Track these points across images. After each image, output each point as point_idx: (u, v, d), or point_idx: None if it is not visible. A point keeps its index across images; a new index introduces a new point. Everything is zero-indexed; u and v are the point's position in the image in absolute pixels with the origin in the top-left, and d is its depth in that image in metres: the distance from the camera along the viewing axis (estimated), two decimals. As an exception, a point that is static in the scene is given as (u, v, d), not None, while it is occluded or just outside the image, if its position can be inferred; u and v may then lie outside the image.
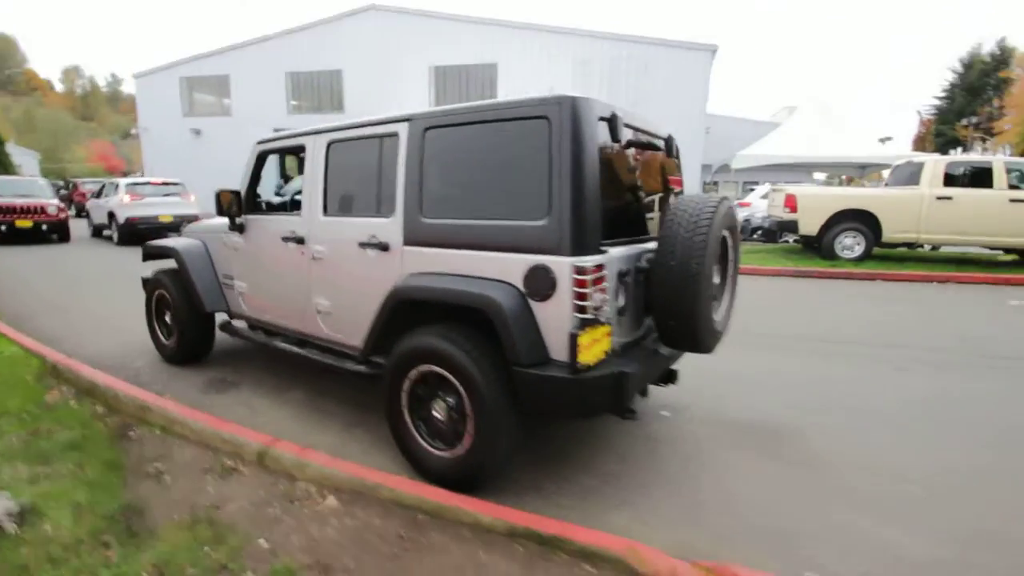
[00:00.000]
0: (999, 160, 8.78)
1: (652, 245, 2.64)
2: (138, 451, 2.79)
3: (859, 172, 18.78)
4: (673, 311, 2.31)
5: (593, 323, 2.12)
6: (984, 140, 43.40)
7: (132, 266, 9.59)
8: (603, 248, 2.20)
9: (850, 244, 9.33)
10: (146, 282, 4.39)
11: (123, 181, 13.22)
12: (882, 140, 19.02)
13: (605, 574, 1.87)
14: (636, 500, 2.43)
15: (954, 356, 4.53)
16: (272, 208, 4.13)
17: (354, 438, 3.00)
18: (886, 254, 10.04)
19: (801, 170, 18.85)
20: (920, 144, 41.42)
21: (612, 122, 2.30)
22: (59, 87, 79.45)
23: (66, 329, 5.22)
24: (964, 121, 40.65)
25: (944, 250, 10.86)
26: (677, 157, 3.18)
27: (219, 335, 4.22)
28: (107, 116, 76.52)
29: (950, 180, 8.79)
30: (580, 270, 2.09)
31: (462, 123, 2.43)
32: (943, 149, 35.69)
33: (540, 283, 2.17)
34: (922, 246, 9.87)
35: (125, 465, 2.64)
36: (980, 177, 8.69)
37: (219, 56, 22.76)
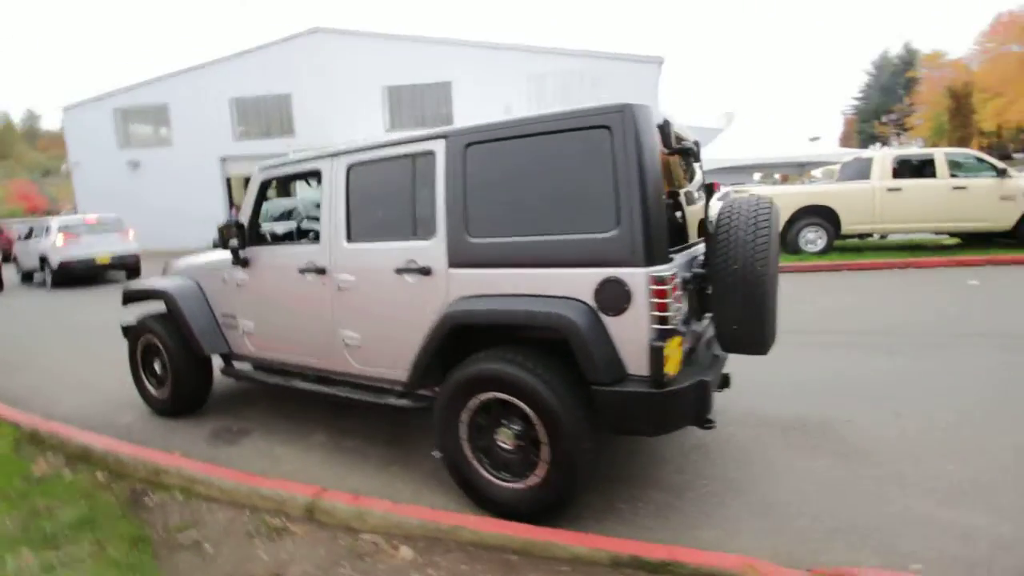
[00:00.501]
0: (940, 152, 9.47)
1: (697, 249, 2.62)
2: (161, 520, 2.49)
3: (798, 171, 19.88)
4: (738, 315, 2.28)
5: (672, 333, 2.06)
6: (899, 135, 47.18)
7: (76, 313, 8.86)
8: (670, 256, 2.16)
9: (813, 238, 9.78)
10: (128, 329, 4.01)
11: (55, 221, 12.24)
12: (812, 139, 20.25)
13: (725, 596, 1.79)
14: (714, 512, 2.37)
15: (942, 336, 4.77)
16: (278, 239, 3.87)
17: (397, 478, 2.80)
18: (843, 245, 10.59)
19: (743, 172, 19.76)
20: (846, 141, 44.41)
21: (664, 129, 2.27)
22: (-33, 125, 73.50)
23: (27, 389, 4.70)
24: (884, 119, 44.04)
25: (891, 238, 11.58)
26: (698, 160, 3.20)
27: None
28: (24, 153, 71.33)
29: (898, 172, 9.39)
30: (659, 280, 2.03)
31: (510, 137, 2.34)
32: (864, 145, 38.51)
33: (614, 297, 2.09)
34: (872, 236, 10.47)
35: (151, 538, 2.34)
36: (924, 168, 9.34)
37: (156, 84, 21.67)
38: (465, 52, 19.32)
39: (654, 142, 2.14)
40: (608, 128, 2.11)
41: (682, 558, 1.87)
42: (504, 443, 2.34)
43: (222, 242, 3.22)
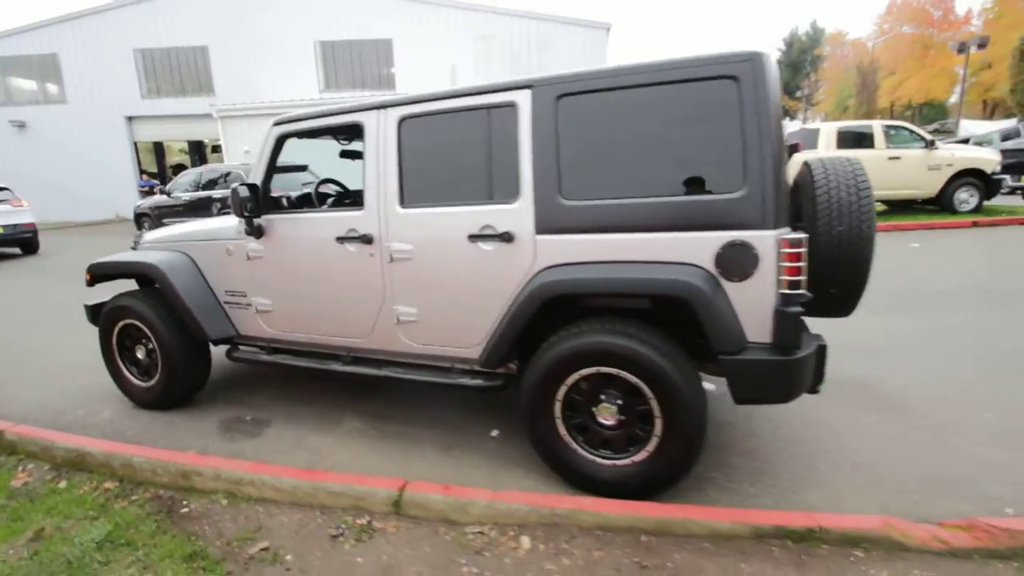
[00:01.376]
0: (878, 124, 10.16)
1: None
2: (213, 531, 2.14)
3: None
4: (839, 278, 2.25)
5: (800, 298, 1.99)
6: (806, 110, 50.65)
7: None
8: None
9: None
10: (97, 312, 3.42)
11: None
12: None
13: (874, 555, 1.79)
14: (808, 474, 2.39)
15: (914, 296, 5.16)
16: (295, 204, 3.39)
17: (464, 462, 2.60)
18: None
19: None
20: (765, 115, 46.85)
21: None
22: None
23: (-43, 386, 3.93)
24: (798, 94, 46.95)
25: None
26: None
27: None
28: None
29: (841, 143, 10.00)
30: (794, 243, 1.93)
31: (610, 88, 2.12)
32: (782, 119, 40.92)
33: (739, 262, 1.98)
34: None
35: (210, 553, 2.00)
36: (864, 139, 10.00)
37: (42, 31, 18.60)
38: (407, 8, 18.15)
39: (779, 95, 2.01)
40: (735, 78, 1.96)
41: (826, 524, 1.86)
42: (605, 419, 2.21)
43: (237, 208, 2.76)
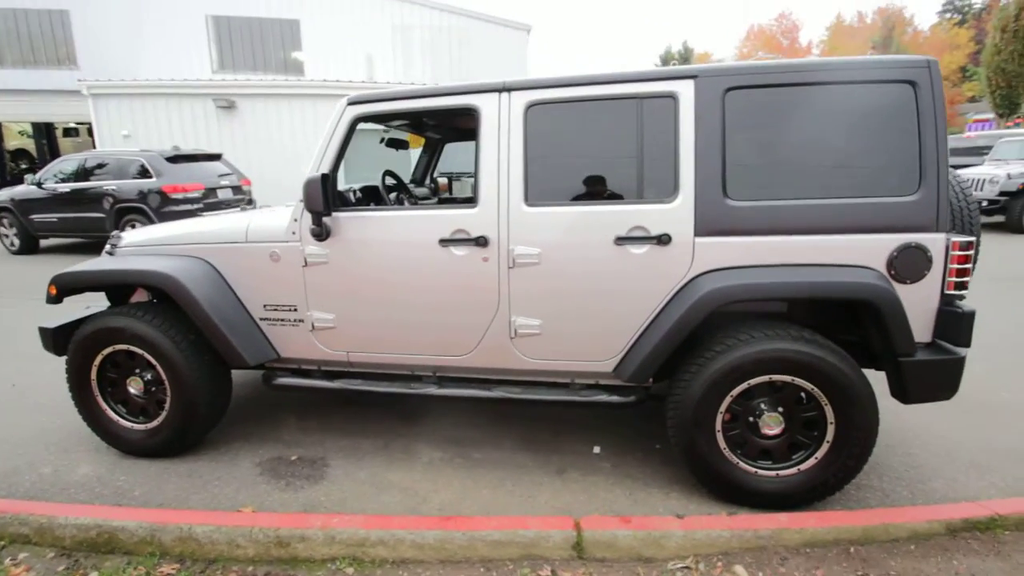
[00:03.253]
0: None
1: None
2: (357, 609, 1.69)
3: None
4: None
5: (960, 298, 2.06)
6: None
7: None
8: None
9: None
10: (63, 337, 2.63)
11: None
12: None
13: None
14: (917, 463, 2.48)
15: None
16: (360, 200, 2.82)
17: (595, 487, 2.35)
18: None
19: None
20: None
21: None
22: None
23: None
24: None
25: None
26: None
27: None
28: None
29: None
30: (963, 246, 1.99)
31: (785, 84, 2.03)
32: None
33: (913, 264, 2.00)
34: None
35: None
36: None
37: None
38: (316, -12, 16.75)
39: (944, 101, 2.06)
40: (913, 83, 1.96)
41: (1001, 511, 1.94)
42: (768, 430, 2.12)
43: (314, 203, 2.23)
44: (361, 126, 2.45)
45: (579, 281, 2.22)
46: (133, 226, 8.35)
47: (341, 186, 2.84)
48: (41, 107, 16.37)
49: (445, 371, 2.48)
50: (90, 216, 8.66)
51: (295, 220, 2.44)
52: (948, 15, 40.57)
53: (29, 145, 21.25)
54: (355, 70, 16.37)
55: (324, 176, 2.28)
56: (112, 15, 15.65)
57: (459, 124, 3.18)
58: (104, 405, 2.65)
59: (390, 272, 2.38)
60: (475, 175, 2.27)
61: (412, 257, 2.34)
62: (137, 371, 2.60)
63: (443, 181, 4.34)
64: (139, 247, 2.74)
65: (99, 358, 2.59)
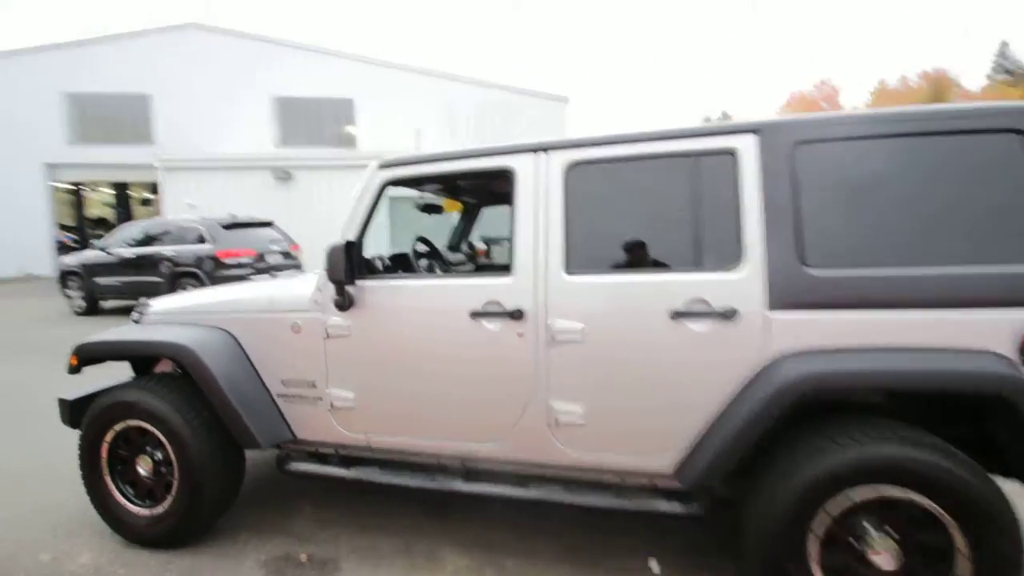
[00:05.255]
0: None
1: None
2: None
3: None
4: None
5: None
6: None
7: None
8: None
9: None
10: (80, 409, 2.50)
11: None
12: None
13: None
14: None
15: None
16: (388, 268, 2.69)
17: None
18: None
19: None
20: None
21: None
22: None
23: None
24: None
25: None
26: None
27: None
28: None
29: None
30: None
31: (866, 136, 1.76)
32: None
33: None
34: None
35: None
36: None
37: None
38: (369, 70, 18.07)
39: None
40: (1021, 132, 1.66)
41: None
42: (879, 559, 1.67)
43: (337, 273, 2.08)
44: (399, 192, 2.34)
45: (629, 362, 1.91)
46: (185, 289, 8.67)
47: (377, 253, 2.71)
48: (119, 177, 17.95)
49: (475, 461, 2.17)
50: (149, 280, 9.05)
51: (319, 289, 2.28)
52: (999, 76, 39.75)
53: (109, 214, 23.19)
54: (404, 142, 17.25)
55: (349, 244, 2.14)
56: (189, 98, 17.31)
57: (495, 187, 3.05)
58: (112, 486, 2.47)
59: (415, 346, 2.16)
60: (511, 242, 2.06)
61: (439, 330, 2.11)
62: (148, 449, 2.43)
63: (481, 246, 4.20)
64: (165, 315, 2.65)
65: (111, 434, 2.44)
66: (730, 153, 1.86)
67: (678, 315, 1.85)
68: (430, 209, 3.15)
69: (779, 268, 1.78)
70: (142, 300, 2.78)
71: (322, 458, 2.39)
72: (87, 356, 2.51)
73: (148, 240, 9.42)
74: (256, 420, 2.30)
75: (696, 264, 1.88)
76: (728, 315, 1.80)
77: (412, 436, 2.22)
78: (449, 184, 2.81)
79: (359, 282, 2.22)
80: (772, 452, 1.78)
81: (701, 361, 1.84)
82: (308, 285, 2.36)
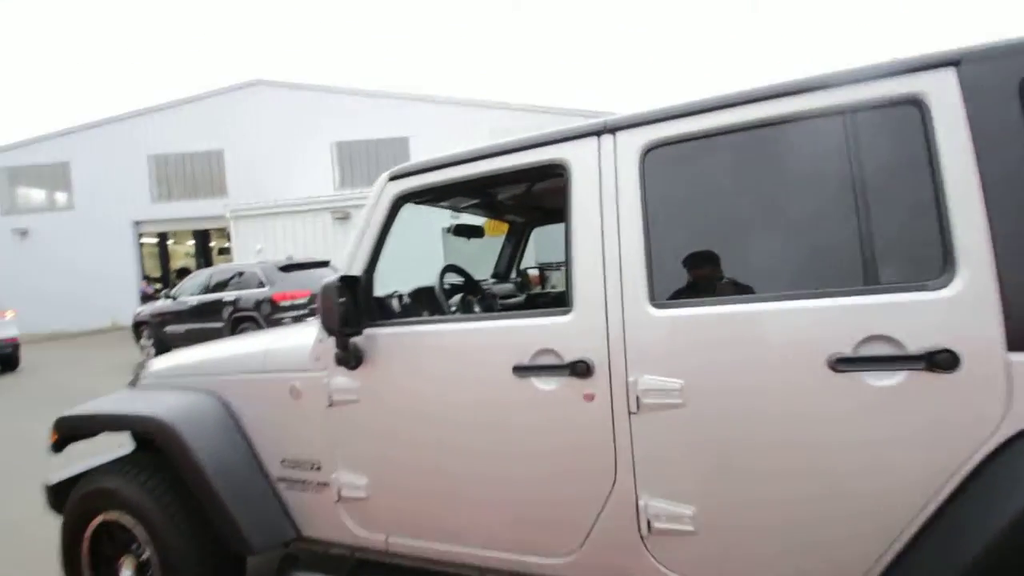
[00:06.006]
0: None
1: None
2: None
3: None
4: None
5: None
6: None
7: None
8: None
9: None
10: (62, 495, 2.09)
11: None
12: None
13: None
14: None
15: None
16: (407, 309, 2.15)
17: None
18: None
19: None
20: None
21: None
22: None
23: None
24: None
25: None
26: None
27: None
28: None
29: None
30: None
31: None
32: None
33: None
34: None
35: None
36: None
37: (56, 140, 18.59)
38: (422, 107, 18.40)
39: None
40: None
41: None
42: None
43: (326, 319, 1.55)
44: (418, 211, 1.81)
45: (763, 436, 1.22)
46: (243, 331, 8.65)
47: (393, 289, 2.17)
48: (198, 226, 19.09)
49: (537, 570, 1.51)
50: (211, 327, 9.16)
51: (319, 341, 1.75)
52: None
53: (191, 263, 24.82)
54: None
55: (347, 279, 1.60)
56: (257, 149, 18.29)
57: (544, 200, 2.45)
58: (93, 587, 2.02)
59: (441, 417, 1.56)
60: (567, 265, 1.44)
61: (473, 393, 1.51)
62: (134, 547, 1.96)
63: (534, 273, 3.59)
64: (160, 378, 2.22)
65: (88, 528, 2.00)
66: (915, 102, 1.16)
67: (844, 362, 1.14)
68: (466, 232, 2.59)
69: (1021, 281, 1.04)
70: (142, 359, 2.38)
71: (335, 564, 1.81)
72: (67, 432, 2.11)
73: (213, 287, 9.61)
74: (249, 514, 1.77)
75: (866, 280, 1.17)
76: (939, 362, 1.08)
77: (442, 540, 1.60)
78: (483, 196, 2.24)
79: (369, 330, 1.67)
80: None
81: (889, 436, 1.12)
82: (310, 336, 1.84)
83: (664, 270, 1.34)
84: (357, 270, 1.69)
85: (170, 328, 9.65)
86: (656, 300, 1.32)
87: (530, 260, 3.86)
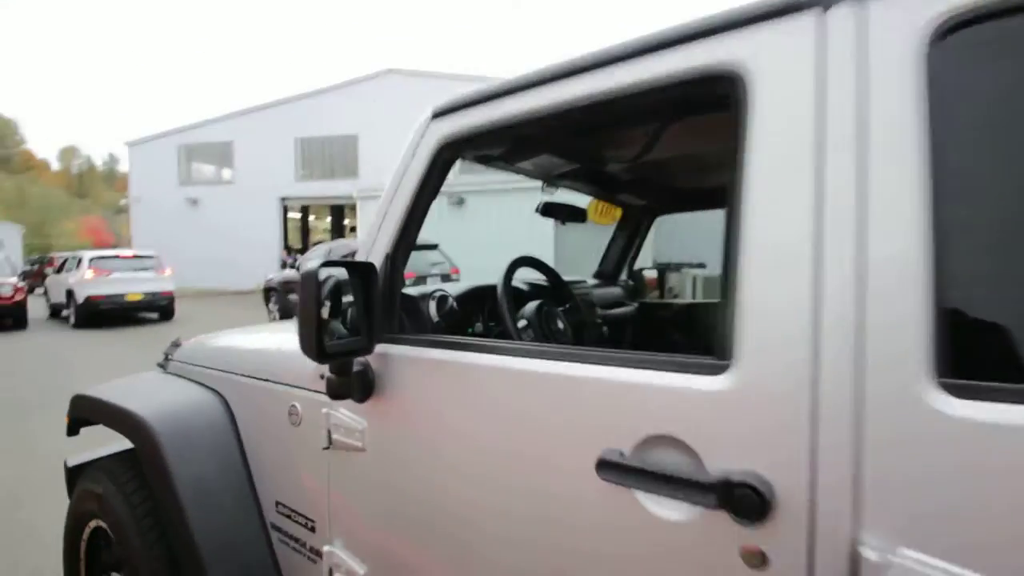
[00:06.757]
0: None
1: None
2: None
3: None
4: None
5: None
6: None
7: (93, 359, 6.92)
8: None
9: None
10: (72, 485, 1.82)
11: (87, 254, 11.03)
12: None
13: None
14: None
15: None
16: (448, 313, 1.55)
17: None
18: None
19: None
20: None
21: None
22: (56, 166, 78.83)
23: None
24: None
25: None
26: None
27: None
28: (102, 193, 75.29)
29: None
30: None
31: None
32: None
33: None
34: None
35: None
36: None
37: (223, 122, 21.29)
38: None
39: None
40: None
41: None
42: None
43: (304, 339, 0.98)
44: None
45: None
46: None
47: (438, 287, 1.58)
48: (334, 203, 20.52)
49: None
50: (321, 299, 9.57)
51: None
52: None
53: (327, 238, 27.08)
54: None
55: (365, 265, 1.03)
56: (384, 135, 19.16)
57: (679, 170, 1.65)
58: (86, 599, 1.73)
59: (481, 503, 0.93)
60: (727, 274, 0.72)
61: (532, 479, 0.86)
62: (120, 567, 1.62)
63: (651, 275, 2.75)
64: (183, 361, 1.87)
65: (84, 530, 1.70)
66: None
67: None
68: (561, 214, 1.86)
69: None
70: (175, 339, 2.07)
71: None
72: (80, 416, 1.83)
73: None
74: (223, 563, 1.31)
75: None
76: None
77: None
78: (584, 155, 1.47)
79: (382, 347, 1.09)
80: None
81: None
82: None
83: (974, 302, 0.57)
84: (377, 254, 1.11)
85: (293, 296, 10.28)
86: (948, 375, 0.56)
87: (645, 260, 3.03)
